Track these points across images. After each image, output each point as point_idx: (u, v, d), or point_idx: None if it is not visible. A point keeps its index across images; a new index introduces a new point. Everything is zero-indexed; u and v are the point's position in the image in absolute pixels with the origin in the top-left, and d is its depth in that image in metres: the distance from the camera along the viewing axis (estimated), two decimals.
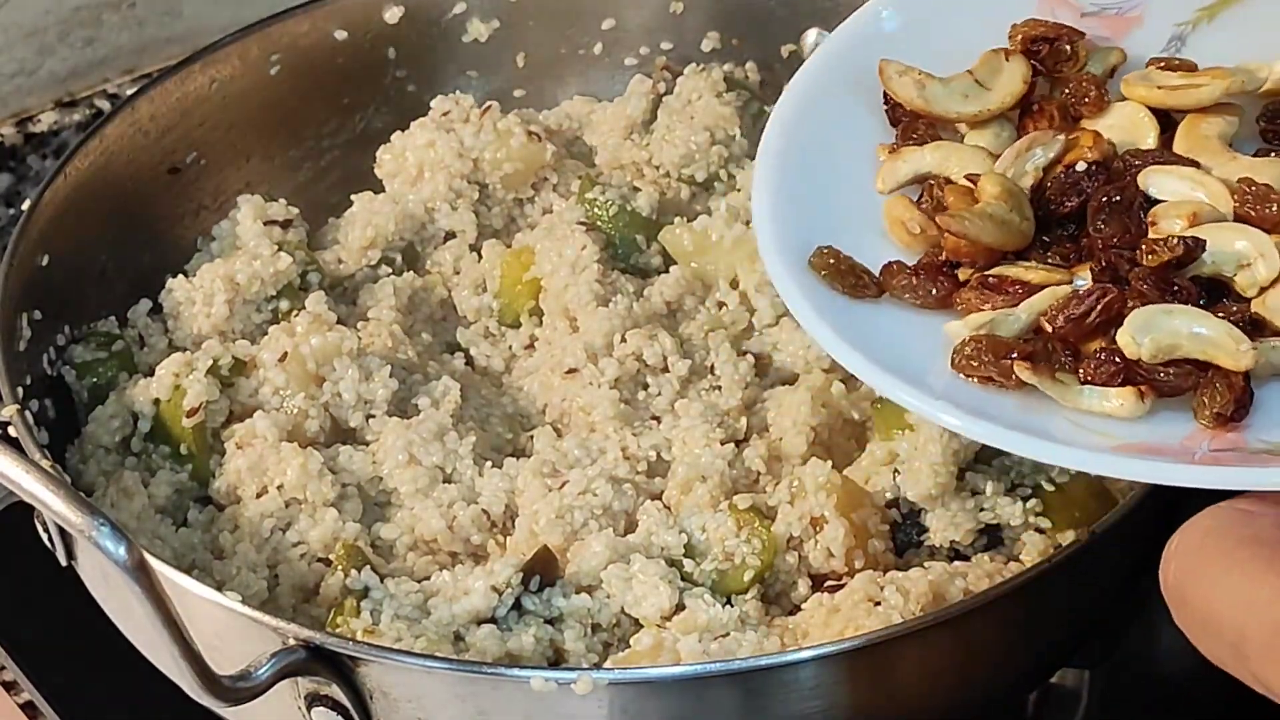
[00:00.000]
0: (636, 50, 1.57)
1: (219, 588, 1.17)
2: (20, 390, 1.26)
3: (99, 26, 1.73)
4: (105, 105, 1.73)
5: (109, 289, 1.40)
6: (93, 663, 1.35)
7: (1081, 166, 1.10)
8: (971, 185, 1.11)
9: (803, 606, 1.19)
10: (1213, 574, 0.88)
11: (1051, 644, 1.20)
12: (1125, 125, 1.14)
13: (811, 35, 1.54)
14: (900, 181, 1.15)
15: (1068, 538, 1.19)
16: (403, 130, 1.50)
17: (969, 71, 1.18)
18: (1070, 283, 1.07)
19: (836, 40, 1.22)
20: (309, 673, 1.08)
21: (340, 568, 1.21)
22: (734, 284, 1.38)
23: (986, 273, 1.08)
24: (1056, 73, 1.18)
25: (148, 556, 1.03)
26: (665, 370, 1.33)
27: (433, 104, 1.50)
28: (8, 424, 1.23)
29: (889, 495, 1.22)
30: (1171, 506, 1.22)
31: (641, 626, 1.17)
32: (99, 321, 1.38)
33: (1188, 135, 1.13)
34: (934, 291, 1.09)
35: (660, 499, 1.26)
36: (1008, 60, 1.17)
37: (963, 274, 1.09)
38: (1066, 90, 1.17)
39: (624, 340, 1.33)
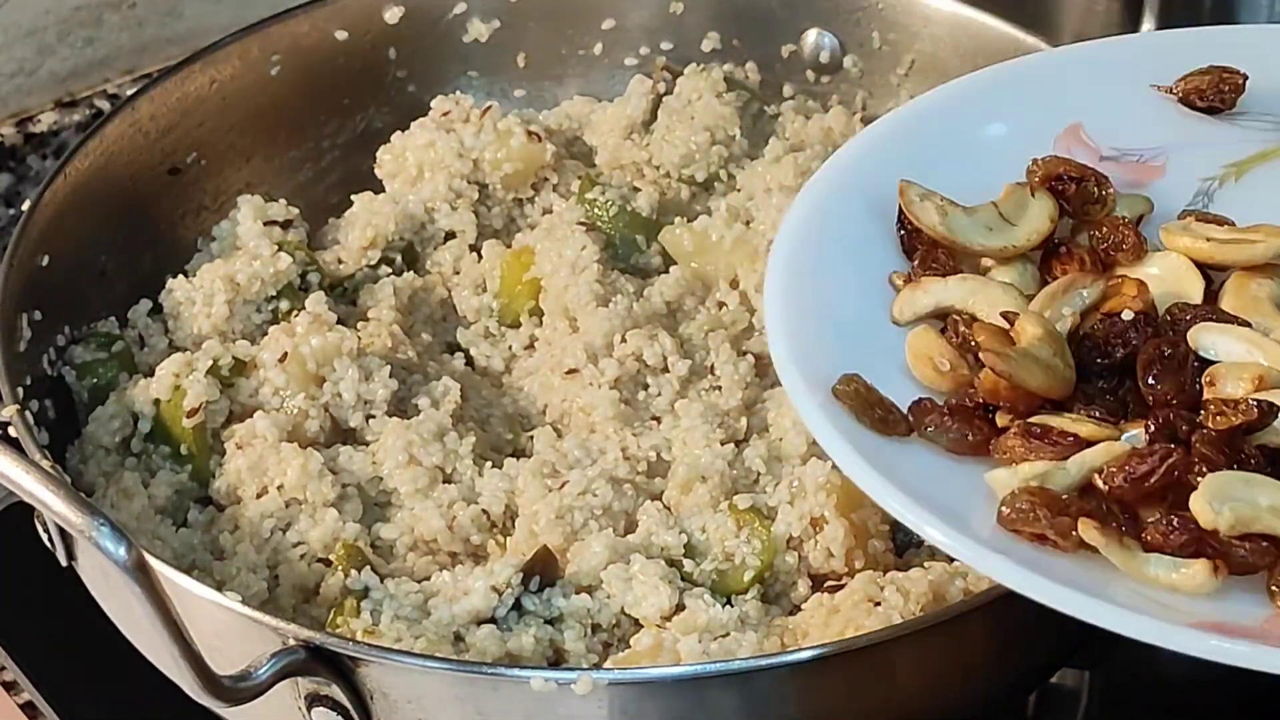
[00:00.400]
0: (636, 50, 1.57)
1: (219, 588, 1.17)
2: (20, 390, 1.26)
3: (99, 26, 1.73)
4: (105, 105, 1.73)
5: (109, 289, 1.40)
6: (93, 663, 1.35)
7: (1129, 315, 1.03)
8: (1007, 325, 1.04)
9: (803, 606, 1.19)
10: None
11: (1051, 644, 1.20)
12: (1169, 277, 1.07)
13: (811, 35, 1.55)
14: (919, 314, 1.08)
15: None
16: (403, 130, 1.50)
17: (993, 203, 1.12)
18: (1119, 439, 0.99)
19: (842, 158, 1.17)
20: (309, 673, 1.08)
21: (340, 568, 1.21)
22: (734, 284, 1.38)
23: (1030, 420, 1.01)
24: (1084, 215, 1.13)
25: (148, 556, 1.03)
26: (665, 370, 1.33)
27: (433, 104, 1.50)
28: (8, 424, 1.23)
29: None
30: None
31: (641, 626, 1.17)
32: (99, 322, 1.38)
33: (1237, 294, 1.06)
34: (969, 436, 1.01)
35: (660, 499, 1.26)
36: (1033, 196, 1.12)
37: (1000, 420, 1.02)
38: (1099, 234, 1.11)
39: (624, 340, 1.33)
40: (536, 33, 1.57)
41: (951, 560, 1.20)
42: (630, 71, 1.55)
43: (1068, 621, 1.18)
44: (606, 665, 1.15)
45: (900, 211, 1.12)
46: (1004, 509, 0.96)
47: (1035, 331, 1.02)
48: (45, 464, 1.17)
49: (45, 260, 1.34)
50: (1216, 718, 1.34)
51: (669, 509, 1.25)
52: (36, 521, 1.21)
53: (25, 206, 1.35)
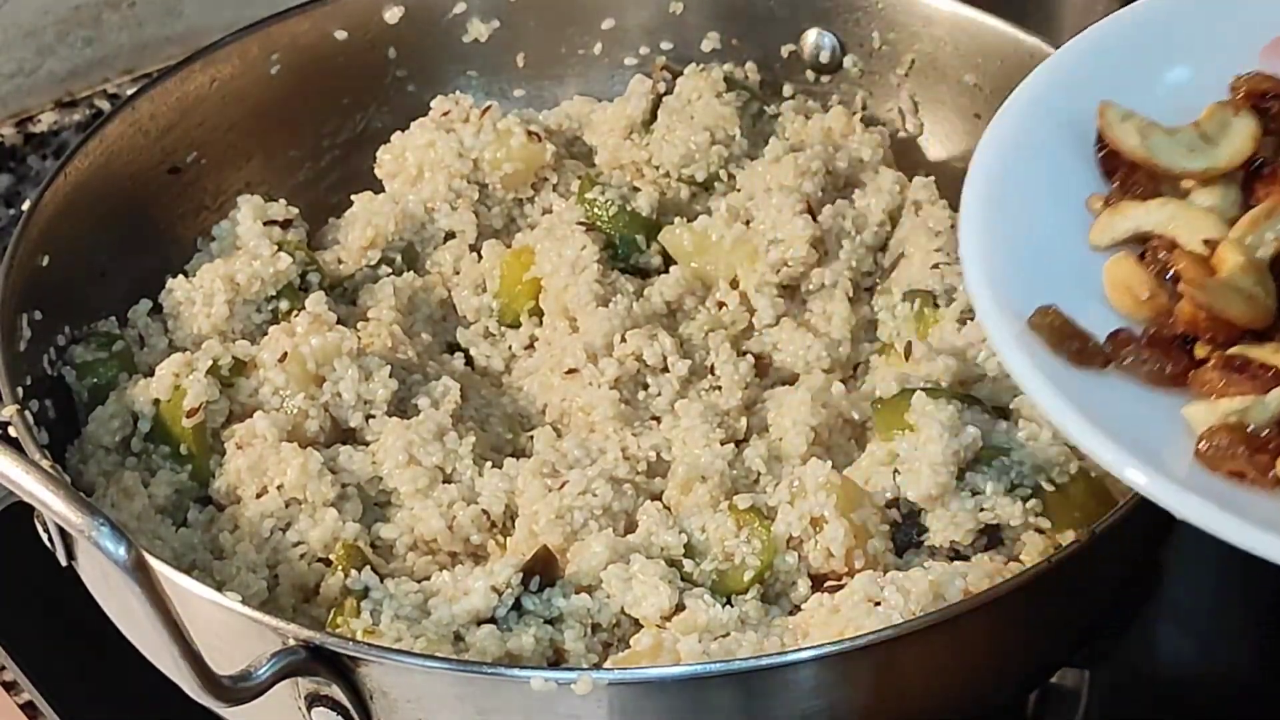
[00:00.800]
0: (636, 50, 1.57)
1: (219, 588, 1.17)
2: (20, 390, 1.26)
3: (99, 26, 1.73)
4: (105, 105, 1.73)
5: (109, 289, 1.40)
6: (93, 663, 1.35)
7: None
8: (1207, 252, 1.02)
9: (803, 606, 1.19)
10: None
11: (1051, 644, 1.20)
12: None
13: (811, 35, 1.55)
14: (1117, 238, 1.06)
15: (1068, 538, 1.19)
16: (403, 130, 1.50)
17: (1194, 124, 1.09)
18: None
19: (1039, 78, 1.14)
20: (309, 673, 1.08)
21: (340, 568, 1.21)
22: (734, 284, 1.38)
23: (1229, 352, 0.99)
24: None
25: (148, 556, 1.03)
26: (665, 370, 1.33)
27: (433, 104, 1.50)
28: (8, 424, 1.23)
29: (889, 495, 1.22)
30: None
31: (641, 626, 1.17)
32: (99, 321, 1.38)
33: None
34: (1167, 368, 0.99)
35: (660, 499, 1.26)
36: (1235, 115, 1.09)
37: (1199, 351, 1.00)
38: None
39: (624, 340, 1.33)
40: (536, 33, 1.57)
41: (951, 560, 1.20)
42: (630, 71, 1.55)
43: (1067, 621, 1.18)
44: (606, 665, 1.15)
45: (1099, 133, 1.10)
46: (1202, 445, 0.94)
47: (1236, 260, 1.00)
48: (45, 464, 1.17)
49: (45, 260, 1.34)
50: (1216, 717, 1.34)
51: (669, 509, 1.25)
52: (36, 521, 1.21)
53: (25, 206, 1.35)
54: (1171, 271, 1.02)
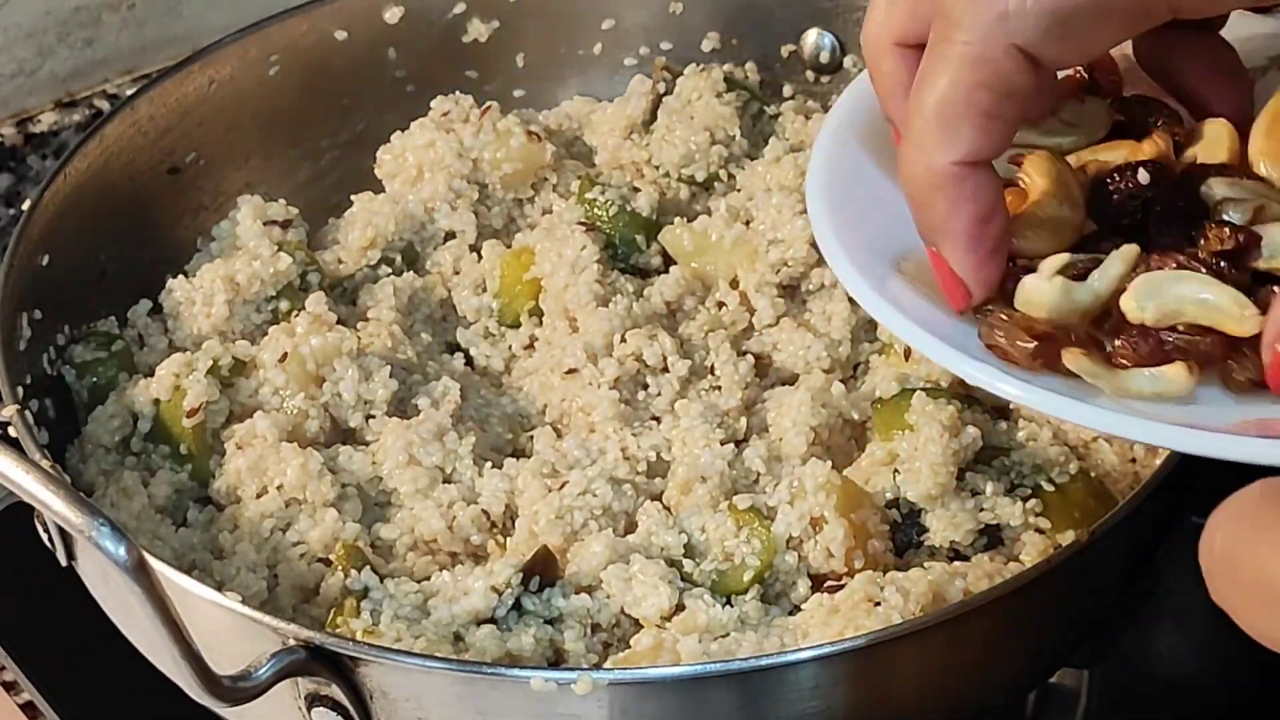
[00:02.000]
0: (636, 50, 1.57)
1: (219, 588, 1.17)
2: (20, 390, 1.26)
3: (99, 27, 1.73)
4: (105, 105, 1.73)
5: (109, 289, 1.40)
6: (93, 663, 1.35)
7: (1145, 178, 1.07)
8: (1024, 180, 1.09)
9: (803, 606, 1.19)
10: (1272, 539, 0.81)
11: (1051, 644, 1.20)
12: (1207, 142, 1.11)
13: (811, 35, 1.55)
14: None
15: (1067, 538, 1.19)
16: (403, 130, 1.50)
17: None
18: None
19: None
20: (309, 673, 1.08)
21: (340, 568, 1.21)
22: (734, 284, 1.38)
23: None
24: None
25: (148, 556, 1.03)
26: (665, 370, 1.33)
27: (433, 104, 1.50)
28: (8, 424, 1.23)
29: (889, 495, 1.22)
30: (1172, 507, 1.22)
31: (641, 627, 1.17)
32: (99, 321, 1.38)
33: (1268, 133, 1.08)
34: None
35: (660, 499, 1.26)
36: (1083, 103, 1.15)
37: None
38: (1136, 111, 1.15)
39: (624, 340, 1.33)
40: (536, 33, 1.57)
41: (951, 560, 1.20)
42: (630, 71, 1.55)
43: (1067, 621, 1.18)
44: (606, 665, 1.15)
45: None
46: (982, 328, 1.02)
47: (1041, 184, 1.07)
48: (45, 464, 1.17)
49: (45, 260, 1.35)
50: (1215, 717, 1.34)
51: (669, 509, 1.25)
52: (36, 521, 1.21)
53: (25, 206, 1.35)
54: None
